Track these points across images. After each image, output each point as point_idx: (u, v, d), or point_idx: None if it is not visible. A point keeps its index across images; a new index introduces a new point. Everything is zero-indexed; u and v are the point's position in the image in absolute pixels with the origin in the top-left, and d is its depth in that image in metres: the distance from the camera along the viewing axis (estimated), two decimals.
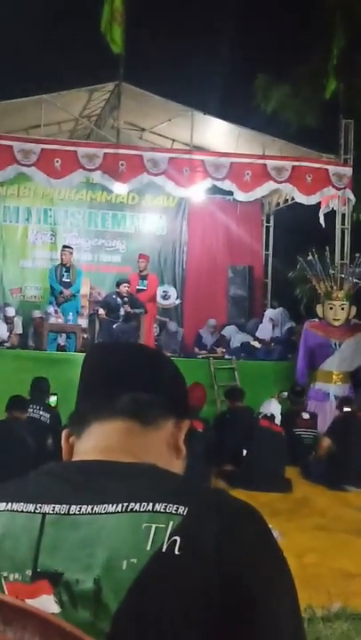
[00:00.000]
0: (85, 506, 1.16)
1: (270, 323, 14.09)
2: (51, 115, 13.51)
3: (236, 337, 14.51)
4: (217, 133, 14.17)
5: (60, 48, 18.72)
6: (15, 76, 16.74)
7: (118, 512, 1.13)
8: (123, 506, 1.14)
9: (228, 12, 19.13)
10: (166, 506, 1.12)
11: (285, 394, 11.35)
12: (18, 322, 14.71)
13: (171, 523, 1.11)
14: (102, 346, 1.50)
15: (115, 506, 1.14)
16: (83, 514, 1.15)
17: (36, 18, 18.76)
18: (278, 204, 16.25)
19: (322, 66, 14.10)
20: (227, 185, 13.37)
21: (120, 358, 1.41)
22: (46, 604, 1.10)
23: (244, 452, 8.80)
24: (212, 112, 13.99)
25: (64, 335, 12.84)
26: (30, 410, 8.94)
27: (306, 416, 10.60)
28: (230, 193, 14.15)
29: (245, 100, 16.92)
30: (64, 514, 1.16)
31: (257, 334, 14.10)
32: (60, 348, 12.68)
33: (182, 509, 1.12)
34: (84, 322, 13.66)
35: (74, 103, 14.08)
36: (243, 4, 18.72)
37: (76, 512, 1.16)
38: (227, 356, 13.37)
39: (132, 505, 1.13)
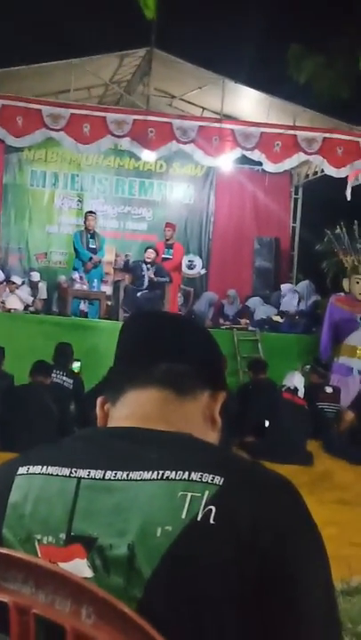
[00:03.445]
0: (121, 472, 1.15)
1: (295, 295, 14.02)
2: (81, 79, 13.45)
3: (261, 309, 14.47)
4: (248, 102, 14.04)
5: (91, 12, 18.57)
6: (46, 40, 16.67)
7: (154, 479, 1.13)
8: (158, 473, 1.14)
9: None
10: (202, 475, 1.12)
11: (309, 367, 11.33)
12: (42, 287, 14.76)
13: (206, 492, 1.11)
14: (141, 314, 1.49)
15: (150, 473, 1.14)
16: (118, 479, 1.15)
17: None
18: (308, 175, 16.14)
19: (356, 37, 13.90)
20: (256, 155, 13.28)
21: (158, 327, 1.40)
22: (79, 568, 1.11)
23: (267, 423, 8.81)
24: (243, 81, 13.86)
25: (86, 301, 12.86)
26: (54, 375, 8.96)
27: (329, 390, 10.58)
28: (259, 163, 14.07)
29: (277, 69, 16.76)
30: (99, 479, 1.16)
31: (281, 307, 14.04)
32: (82, 314, 12.70)
33: (218, 479, 1.12)
34: (107, 289, 13.67)
35: (104, 68, 13.99)
36: None
37: (112, 477, 1.15)
38: (250, 328, 13.34)
39: (167, 473, 1.13)
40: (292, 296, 14.09)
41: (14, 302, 13.30)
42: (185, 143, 12.91)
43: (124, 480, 1.15)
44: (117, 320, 11.83)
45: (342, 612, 3.85)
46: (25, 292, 13.96)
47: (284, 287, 14.71)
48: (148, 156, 13.29)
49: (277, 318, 13.79)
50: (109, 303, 13.17)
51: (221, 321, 14.21)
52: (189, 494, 1.11)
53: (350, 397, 10.34)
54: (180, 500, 1.10)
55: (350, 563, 4.65)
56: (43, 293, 14.72)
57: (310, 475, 7.87)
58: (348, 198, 13.44)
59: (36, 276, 14.63)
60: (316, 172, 15.48)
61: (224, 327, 13.35)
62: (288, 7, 17.88)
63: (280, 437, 8.45)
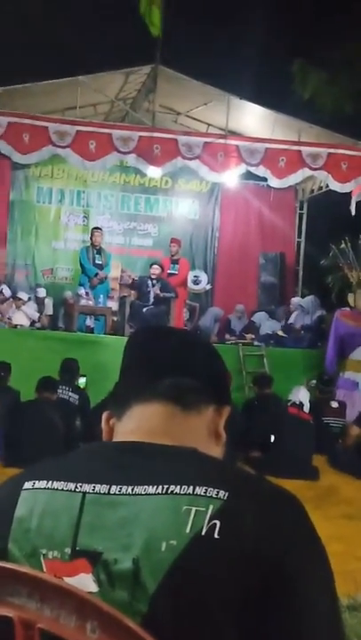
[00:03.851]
0: (126, 486, 1.16)
1: (300, 310, 14.02)
2: (86, 96, 13.51)
3: (266, 324, 14.46)
4: (253, 118, 14.08)
5: (96, 30, 18.70)
6: (52, 58, 16.77)
7: (158, 494, 1.14)
8: (163, 488, 1.14)
9: None
10: (207, 489, 1.13)
11: (314, 382, 11.31)
12: (48, 303, 14.77)
13: (211, 506, 1.11)
14: (146, 329, 1.51)
15: (155, 487, 1.14)
16: (123, 494, 1.16)
17: None
18: (312, 190, 16.16)
19: (358, 52, 13.96)
20: (261, 171, 13.31)
21: (163, 342, 1.41)
22: (84, 582, 1.11)
23: (272, 438, 8.79)
24: (248, 97, 13.89)
25: (92, 317, 12.87)
26: (60, 391, 8.97)
27: (335, 405, 10.55)
28: (264, 179, 14.09)
29: (282, 85, 16.83)
30: (104, 493, 1.17)
31: (290, 321, 14.00)
32: (88, 330, 12.71)
33: (223, 494, 1.12)
34: (113, 304, 13.69)
35: (110, 85, 14.06)
36: None
37: (117, 492, 1.16)
38: (256, 343, 13.33)
39: (172, 487, 1.14)
40: (301, 310, 14.06)
41: (21, 318, 13.32)
42: (190, 159, 12.95)
43: (128, 495, 1.15)
44: (123, 335, 11.84)
45: (348, 628, 3.84)
46: (31, 308, 13.97)
47: (294, 301, 14.67)
48: (153, 172, 13.31)
49: (280, 332, 13.76)
50: (115, 319, 13.18)
51: (228, 336, 14.21)
52: (194, 509, 1.11)
53: (356, 412, 10.31)
54: (185, 515, 1.11)
55: (356, 577, 4.64)
56: (49, 309, 14.73)
57: (316, 490, 7.85)
58: (353, 213, 13.46)
59: (42, 292, 14.65)
60: (320, 188, 15.49)
61: (229, 342, 13.34)
62: (292, 23, 17.98)
63: (286, 452, 8.43)
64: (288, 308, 14.64)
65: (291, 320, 14.01)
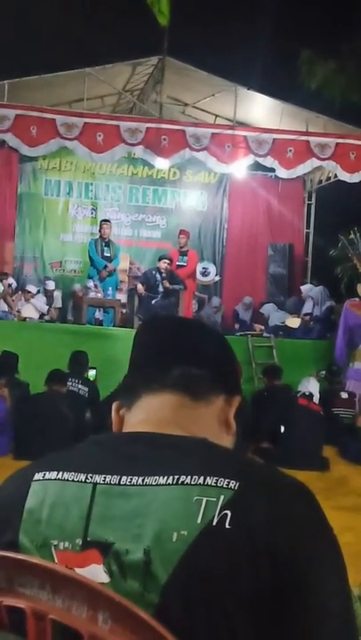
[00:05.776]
0: (136, 477, 1.16)
1: (310, 301, 13.97)
2: (94, 88, 13.50)
3: (275, 315, 14.44)
4: (260, 109, 14.04)
5: (103, 21, 18.65)
6: (59, 50, 16.75)
7: (169, 484, 1.13)
8: (174, 478, 1.14)
9: None
10: (217, 480, 1.12)
11: (324, 373, 11.29)
12: (57, 296, 14.80)
13: (222, 497, 1.11)
14: (155, 319, 1.50)
15: (166, 478, 1.14)
16: (133, 485, 1.15)
17: None
18: (321, 181, 16.09)
19: None
20: (269, 161, 13.27)
21: (173, 332, 1.41)
22: (95, 573, 1.11)
23: (282, 429, 8.78)
24: (255, 87, 13.86)
25: (101, 309, 12.87)
26: (69, 383, 8.98)
27: (344, 395, 10.54)
28: (272, 170, 14.05)
29: (289, 75, 16.77)
30: (115, 484, 1.16)
31: (304, 310, 13.91)
32: (97, 322, 12.72)
33: (233, 484, 1.12)
34: (122, 297, 13.69)
35: (117, 77, 14.04)
36: None
37: (127, 483, 1.16)
38: (265, 334, 13.30)
39: (183, 478, 1.13)
40: (311, 300, 14.01)
41: (29, 311, 13.34)
42: (198, 150, 12.92)
43: (139, 485, 1.15)
44: (132, 328, 11.84)
45: (360, 618, 3.83)
46: (40, 301, 13.99)
47: (305, 289, 14.57)
48: (161, 163, 13.30)
49: (293, 323, 13.68)
50: (124, 311, 13.19)
51: (236, 327, 14.19)
52: (205, 499, 1.11)
53: None
54: (196, 505, 1.10)
55: None
56: (58, 302, 14.76)
57: (326, 481, 7.84)
58: None
59: (51, 285, 14.67)
60: (329, 178, 15.43)
61: (238, 334, 13.32)
62: (299, 13, 17.91)
63: (296, 443, 8.42)
64: (300, 297, 14.56)
65: (307, 310, 13.88)
